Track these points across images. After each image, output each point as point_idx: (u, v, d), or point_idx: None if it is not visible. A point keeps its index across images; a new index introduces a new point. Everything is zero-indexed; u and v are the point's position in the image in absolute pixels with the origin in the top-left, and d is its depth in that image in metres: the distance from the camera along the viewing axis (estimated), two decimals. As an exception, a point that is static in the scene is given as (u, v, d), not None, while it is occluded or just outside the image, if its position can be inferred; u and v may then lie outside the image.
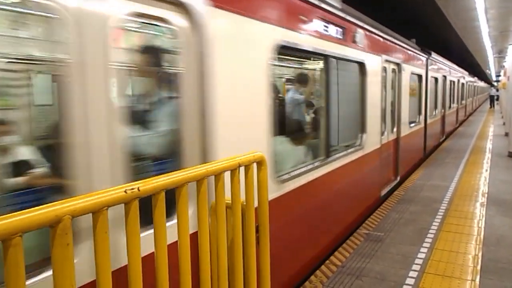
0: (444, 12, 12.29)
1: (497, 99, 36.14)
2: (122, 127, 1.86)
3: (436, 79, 12.17)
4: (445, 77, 13.89)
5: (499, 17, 12.74)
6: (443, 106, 13.92)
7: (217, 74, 2.37)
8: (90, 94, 1.69)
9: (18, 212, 1.15)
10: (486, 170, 9.10)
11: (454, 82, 17.00)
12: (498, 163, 9.93)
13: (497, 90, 36.77)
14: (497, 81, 40.11)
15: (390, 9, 12.73)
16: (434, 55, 11.67)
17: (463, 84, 21.25)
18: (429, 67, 10.87)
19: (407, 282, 3.97)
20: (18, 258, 1.12)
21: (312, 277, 4.09)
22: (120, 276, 1.67)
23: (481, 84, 43.82)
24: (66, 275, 1.24)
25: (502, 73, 22.92)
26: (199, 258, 1.89)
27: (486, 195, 6.99)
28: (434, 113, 12.10)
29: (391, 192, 7.33)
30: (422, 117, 10.17)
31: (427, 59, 10.64)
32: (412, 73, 8.82)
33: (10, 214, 1.14)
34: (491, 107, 35.77)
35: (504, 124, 18.02)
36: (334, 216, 4.85)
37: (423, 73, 10.12)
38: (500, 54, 23.41)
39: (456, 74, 17.94)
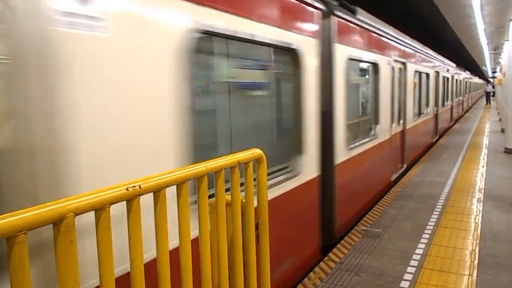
0: (440, 9, 12.33)
1: (493, 95, 36.39)
2: None
3: (374, 67, 6.60)
4: (404, 64, 8.34)
5: (495, 14, 12.78)
6: (399, 117, 8.17)
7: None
8: None
9: (23, 210, 1.16)
10: (483, 166, 9.15)
11: (427, 75, 11.38)
12: (495, 159, 9.99)
13: (493, 87, 36.95)
14: (493, 77, 40.31)
15: (387, 6, 12.76)
16: (362, 15, 5.99)
17: (446, 78, 15.54)
18: (342, 37, 5.01)
19: (405, 277, 4.00)
20: (23, 256, 1.14)
21: (311, 274, 4.12)
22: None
23: (476, 80, 43.75)
24: (70, 272, 1.26)
25: (498, 70, 23.02)
26: (200, 255, 1.91)
27: (483, 191, 7.04)
28: (371, 133, 6.60)
29: None
30: (310, 163, 4.26)
31: (321, 15, 4.52)
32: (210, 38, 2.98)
33: (15, 212, 1.15)
34: (487, 103, 35.94)
35: (500, 120, 18.11)
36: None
37: (303, 45, 4.05)
38: (496, 50, 23.49)
39: (433, 63, 12.37)
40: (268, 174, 3.13)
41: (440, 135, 14.69)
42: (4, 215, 1.13)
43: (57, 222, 1.22)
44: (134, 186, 1.48)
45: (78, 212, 1.27)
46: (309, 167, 4.23)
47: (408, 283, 3.89)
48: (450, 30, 16.90)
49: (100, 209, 1.36)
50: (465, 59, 32.18)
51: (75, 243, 1.27)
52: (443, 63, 14.88)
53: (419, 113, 10.39)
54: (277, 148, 4.12)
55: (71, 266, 1.26)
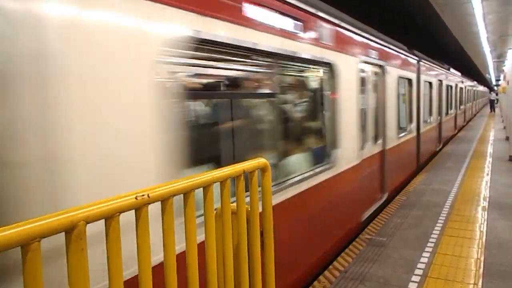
0: (443, 18, 12.39)
1: (497, 103, 36.46)
2: None
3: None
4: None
5: (498, 22, 12.83)
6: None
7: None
8: None
9: (36, 218, 1.20)
10: (487, 174, 9.13)
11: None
12: (499, 167, 9.96)
13: (497, 94, 36.97)
14: (497, 85, 40.27)
15: (390, 16, 12.84)
16: None
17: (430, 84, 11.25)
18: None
19: (410, 286, 4.00)
20: (37, 263, 1.17)
21: (315, 283, 4.12)
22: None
23: (481, 88, 43.57)
24: (81, 279, 1.29)
25: (501, 78, 23.01)
26: (206, 262, 1.94)
27: (487, 199, 7.02)
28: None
29: None
30: None
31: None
32: None
33: (28, 220, 1.19)
34: (491, 111, 35.91)
35: (504, 128, 18.06)
36: None
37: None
38: (500, 58, 23.51)
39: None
40: None
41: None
42: (18, 223, 1.17)
43: (69, 230, 1.26)
44: (143, 195, 1.52)
45: (89, 220, 1.31)
46: None
47: (413, 292, 3.89)
48: (453, 39, 16.96)
49: (110, 218, 1.40)
50: (469, 67, 32.21)
51: (86, 251, 1.31)
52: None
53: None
54: None
55: (82, 274, 1.29)
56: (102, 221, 1.39)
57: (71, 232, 1.26)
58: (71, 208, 1.31)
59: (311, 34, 4.18)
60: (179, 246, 1.80)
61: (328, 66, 4.62)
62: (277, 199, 3.36)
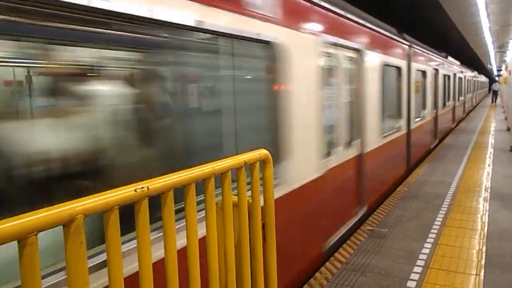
0: (445, 8, 12.29)
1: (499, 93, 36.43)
2: None
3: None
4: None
5: (500, 12, 12.72)
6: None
7: None
8: None
9: (34, 212, 1.18)
10: (489, 165, 9.11)
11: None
12: (501, 158, 9.94)
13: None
14: (499, 75, 40.10)
15: (391, 6, 12.72)
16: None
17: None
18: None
19: (411, 277, 3.99)
20: (34, 257, 1.15)
21: (317, 274, 4.12)
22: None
23: (481, 79, 43.08)
24: (80, 273, 1.27)
25: (503, 68, 22.88)
26: (207, 255, 1.92)
27: (489, 190, 7.00)
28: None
29: None
30: None
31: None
32: None
33: (26, 214, 1.17)
34: (492, 101, 35.88)
35: (506, 119, 18.00)
36: None
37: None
38: (501, 48, 23.36)
39: None
40: None
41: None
42: (15, 216, 1.15)
43: (67, 224, 1.24)
44: (142, 188, 1.49)
45: (88, 213, 1.29)
46: None
47: (414, 283, 3.88)
48: (455, 29, 16.83)
49: (108, 211, 1.37)
50: (471, 58, 32.05)
51: (84, 244, 1.29)
52: None
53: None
54: None
55: (80, 267, 1.27)
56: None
57: (70, 225, 1.24)
58: (69, 201, 1.28)
59: None
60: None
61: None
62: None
